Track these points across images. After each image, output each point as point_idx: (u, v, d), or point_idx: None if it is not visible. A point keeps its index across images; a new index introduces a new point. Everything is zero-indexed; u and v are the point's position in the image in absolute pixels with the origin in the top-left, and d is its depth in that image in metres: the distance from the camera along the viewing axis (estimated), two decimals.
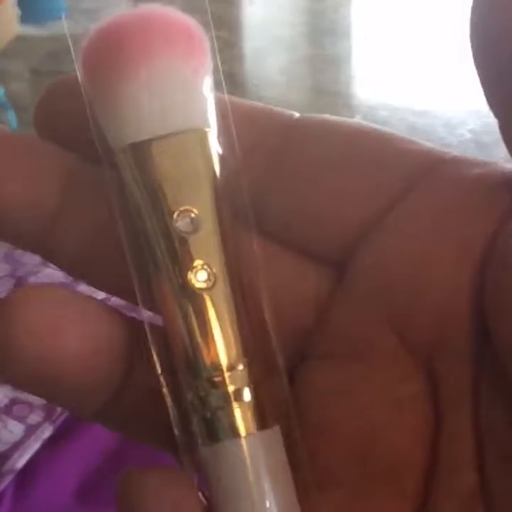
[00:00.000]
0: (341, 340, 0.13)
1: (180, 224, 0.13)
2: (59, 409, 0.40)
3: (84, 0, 1.16)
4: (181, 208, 0.13)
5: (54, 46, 1.02)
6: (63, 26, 1.07)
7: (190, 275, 0.12)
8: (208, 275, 0.13)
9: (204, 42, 0.13)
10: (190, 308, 0.13)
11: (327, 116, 0.14)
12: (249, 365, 0.13)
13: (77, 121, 0.13)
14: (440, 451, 0.13)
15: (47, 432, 0.40)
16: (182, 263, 0.13)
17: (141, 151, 0.13)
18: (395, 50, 1.14)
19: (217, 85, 0.13)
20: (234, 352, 0.13)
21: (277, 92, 1.02)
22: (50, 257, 0.14)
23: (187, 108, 0.13)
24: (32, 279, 0.50)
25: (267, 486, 0.12)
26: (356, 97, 1.02)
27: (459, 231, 0.12)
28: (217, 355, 0.12)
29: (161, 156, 0.13)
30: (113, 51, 0.13)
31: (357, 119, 0.14)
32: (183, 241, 0.13)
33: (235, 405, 0.12)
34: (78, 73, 0.13)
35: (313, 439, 0.13)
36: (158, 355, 0.13)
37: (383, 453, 0.13)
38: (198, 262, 0.13)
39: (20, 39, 0.83)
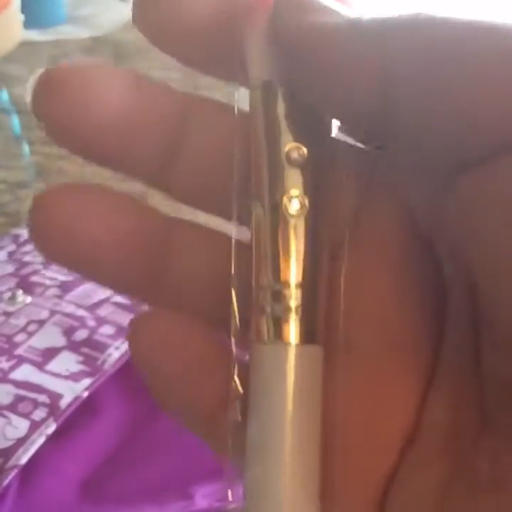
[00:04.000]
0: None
1: (289, 156, 0.14)
2: (63, 407, 0.41)
3: (82, 7, 1.17)
4: (293, 144, 0.14)
5: (56, 51, 1.03)
6: (64, 32, 1.08)
7: (285, 201, 0.14)
8: (301, 206, 0.14)
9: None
10: (277, 229, 0.14)
11: None
12: (313, 288, 0.15)
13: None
14: (447, 330, 0.15)
15: (51, 428, 0.40)
16: (281, 190, 0.14)
17: (270, 89, 0.14)
18: None
19: None
20: (302, 274, 0.14)
21: None
22: (164, 188, 0.16)
23: None
24: (35, 279, 0.51)
25: (296, 397, 0.14)
26: None
27: None
28: (289, 273, 0.14)
29: (286, 98, 0.14)
30: None
31: None
32: (287, 171, 0.14)
33: (293, 317, 0.14)
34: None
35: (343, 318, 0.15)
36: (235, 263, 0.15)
37: (399, 330, 0.15)
38: (294, 192, 0.14)
39: (23, 44, 0.84)
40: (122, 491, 0.41)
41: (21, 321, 0.47)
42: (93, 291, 0.49)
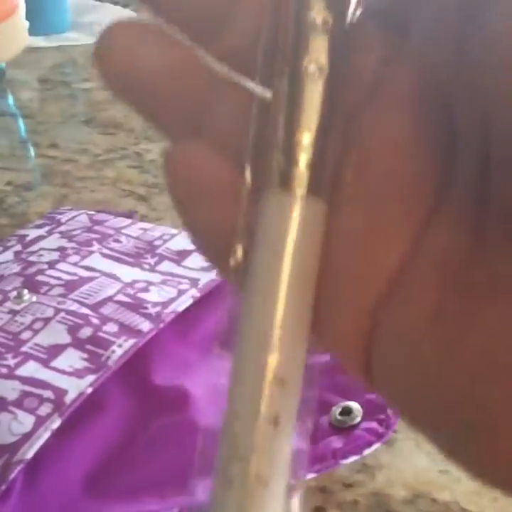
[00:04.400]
0: None
1: (314, 21, 0.15)
2: (68, 402, 0.41)
3: (86, 14, 1.18)
4: (319, 9, 0.15)
5: (60, 56, 1.04)
6: (68, 38, 1.09)
7: (306, 63, 0.15)
8: (320, 69, 0.15)
9: None
10: (296, 88, 0.15)
11: None
12: (323, 146, 0.15)
13: None
14: (456, 175, 0.15)
15: (56, 423, 0.40)
16: (303, 52, 0.15)
17: None
18: None
19: None
20: (315, 133, 0.15)
21: None
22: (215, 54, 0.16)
23: None
24: (40, 278, 0.51)
25: (298, 241, 0.15)
26: None
27: None
28: (303, 130, 0.15)
29: None
30: None
31: None
32: (311, 35, 0.15)
33: (302, 171, 0.15)
34: None
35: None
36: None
37: (408, 176, 0.15)
38: (315, 55, 0.15)
39: (28, 50, 0.85)
40: (125, 485, 0.41)
41: (27, 319, 0.47)
42: (97, 291, 0.50)
